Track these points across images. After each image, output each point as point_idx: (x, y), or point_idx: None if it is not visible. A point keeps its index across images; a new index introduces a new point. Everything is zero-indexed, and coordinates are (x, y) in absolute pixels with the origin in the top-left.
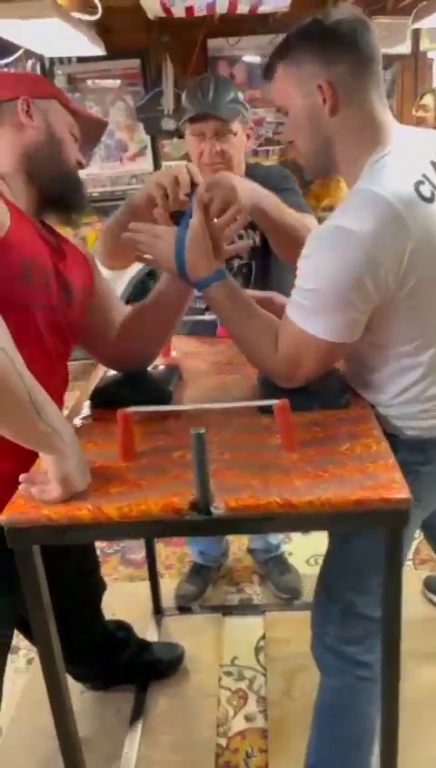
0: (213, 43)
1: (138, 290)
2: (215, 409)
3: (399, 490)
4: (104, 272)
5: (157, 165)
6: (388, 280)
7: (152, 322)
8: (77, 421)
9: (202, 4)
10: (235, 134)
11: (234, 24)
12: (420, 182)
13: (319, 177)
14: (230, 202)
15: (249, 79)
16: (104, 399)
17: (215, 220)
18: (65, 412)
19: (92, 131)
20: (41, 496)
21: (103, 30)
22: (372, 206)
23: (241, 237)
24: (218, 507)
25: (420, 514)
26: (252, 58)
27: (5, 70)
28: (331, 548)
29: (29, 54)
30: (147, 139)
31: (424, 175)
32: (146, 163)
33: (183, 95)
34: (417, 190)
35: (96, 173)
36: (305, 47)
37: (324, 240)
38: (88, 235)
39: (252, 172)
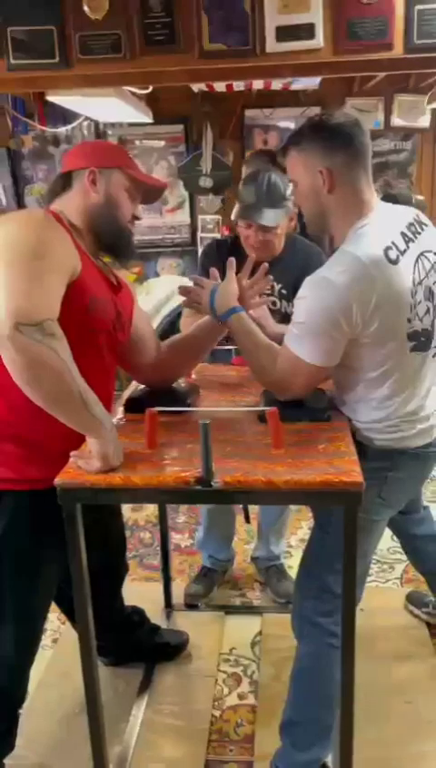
0: (249, 113)
1: (169, 328)
2: (223, 414)
3: (355, 476)
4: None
5: (193, 218)
6: (357, 320)
7: (184, 352)
8: (114, 421)
9: (240, 82)
10: (278, 228)
11: (269, 98)
12: (388, 248)
13: (316, 234)
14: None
15: (281, 144)
16: (135, 406)
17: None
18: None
19: (153, 191)
20: (85, 467)
21: (152, 98)
22: (349, 264)
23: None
24: (217, 482)
25: (387, 513)
26: (287, 123)
27: (67, 133)
28: (313, 535)
29: (87, 118)
30: (186, 195)
31: (393, 242)
32: (184, 216)
33: (240, 186)
34: (385, 254)
35: (138, 223)
36: (313, 140)
37: (313, 286)
38: (126, 276)
39: (294, 246)
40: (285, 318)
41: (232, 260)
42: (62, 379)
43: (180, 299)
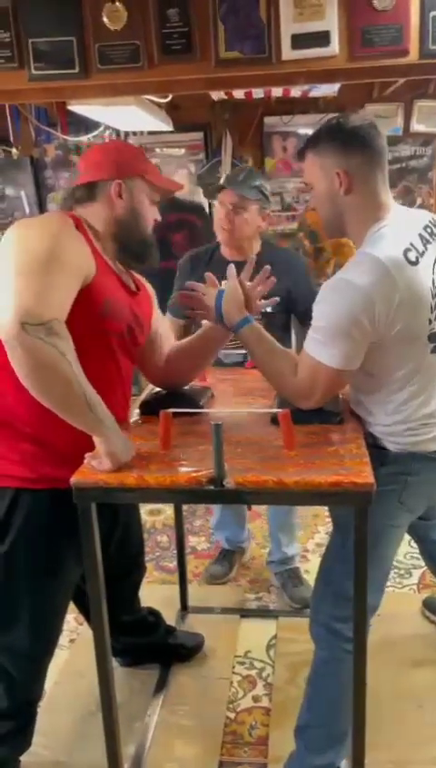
0: (268, 120)
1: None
2: (235, 416)
3: (366, 477)
4: None
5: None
6: (380, 322)
7: (193, 355)
8: (131, 422)
9: (259, 90)
10: (247, 213)
11: (288, 105)
12: (407, 249)
13: (333, 237)
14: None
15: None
16: (150, 409)
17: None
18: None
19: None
20: (98, 467)
21: (172, 106)
22: (370, 265)
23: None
24: (228, 482)
25: (407, 518)
26: (306, 130)
27: (89, 141)
28: (332, 540)
29: (108, 126)
30: (205, 202)
31: (412, 244)
32: None
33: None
34: (405, 255)
35: None
36: (330, 142)
37: (333, 289)
38: None
39: (270, 252)
40: (264, 317)
41: (232, 267)
42: (67, 379)
43: None
